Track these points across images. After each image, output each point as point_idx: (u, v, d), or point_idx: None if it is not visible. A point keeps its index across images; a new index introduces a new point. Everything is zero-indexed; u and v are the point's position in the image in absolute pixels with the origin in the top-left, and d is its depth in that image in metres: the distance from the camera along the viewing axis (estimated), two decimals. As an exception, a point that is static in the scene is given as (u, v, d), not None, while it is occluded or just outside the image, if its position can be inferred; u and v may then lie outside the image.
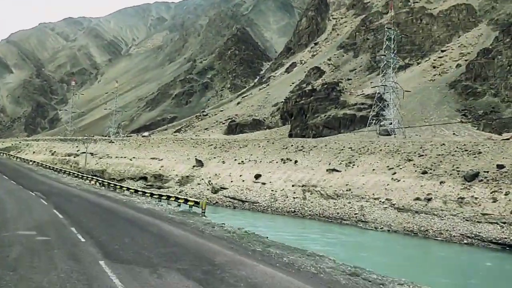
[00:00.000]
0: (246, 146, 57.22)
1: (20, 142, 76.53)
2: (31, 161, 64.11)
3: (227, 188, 50.00)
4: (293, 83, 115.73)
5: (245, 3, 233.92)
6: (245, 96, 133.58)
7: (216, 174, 53.42)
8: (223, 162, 55.72)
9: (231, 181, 51.09)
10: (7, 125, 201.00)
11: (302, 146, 51.98)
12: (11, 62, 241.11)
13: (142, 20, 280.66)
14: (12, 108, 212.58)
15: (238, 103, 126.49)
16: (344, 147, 48.89)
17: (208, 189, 51.28)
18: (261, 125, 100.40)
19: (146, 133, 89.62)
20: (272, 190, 46.45)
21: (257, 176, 49.69)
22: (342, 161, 46.55)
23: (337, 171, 45.18)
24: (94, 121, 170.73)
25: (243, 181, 50.26)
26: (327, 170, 45.93)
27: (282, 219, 39.96)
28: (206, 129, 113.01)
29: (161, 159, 59.42)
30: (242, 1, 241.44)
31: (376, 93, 73.82)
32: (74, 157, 60.60)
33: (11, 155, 68.70)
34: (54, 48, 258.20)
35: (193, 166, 57.30)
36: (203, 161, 57.16)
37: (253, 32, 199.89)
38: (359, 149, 47.63)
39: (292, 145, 53.33)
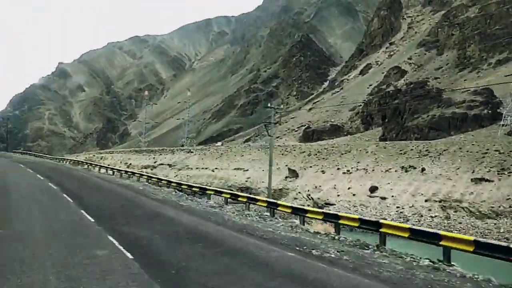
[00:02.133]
0: (349, 152, 46.08)
1: (94, 155, 69.52)
2: (126, 171, 41.15)
3: (334, 204, 39.04)
4: (370, 85, 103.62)
5: (306, 11, 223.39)
6: (316, 101, 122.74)
7: (316, 187, 42.65)
8: (323, 171, 44.86)
9: (338, 195, 40.13)
10: (80, 141, 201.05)
11: (426, 150, 40.19)
12: (82, 81, 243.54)
13: (204, 35, 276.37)
14: (85, 124, 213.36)
15: (310, 109, 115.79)
16: (487, 150, 36.70)
17: (308, 205, 40.54)
18: (340, 131, 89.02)
19: (218, 143, 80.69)
20: (397, 207, 35.04)
21: (373, 189, 38.44)
22: (490, 167, 34.43)
23: (488, 180, 33.15)
24: (163, 134, 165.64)
25: (353, 195, 39.17)
26: (472, 180, 33.97)
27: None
28: (278, 137, 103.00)
29: (247, 170, 49.49)
30: (303, 9, 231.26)
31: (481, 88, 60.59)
32: (152, 169, 52.04)
33: (89, 163, 51.11)
34: (122, 66, 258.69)
35: (286, 177, 46.90)
36: (297, 171, 46.65)
37: (317, 39, 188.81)
38: (511, 151, 35.33)
39: (412, 149, 41.64)
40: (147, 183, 34.40)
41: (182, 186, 31.16)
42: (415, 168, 38.14)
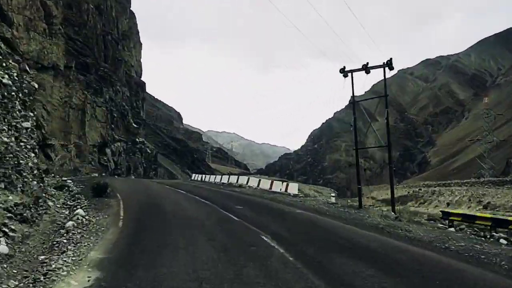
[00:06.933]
0: None
1: (420, 190, 54.67)
2: None
3: None
4: None
5: None
6: None
7: None
8: None
9: None
10: (376, 171, 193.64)
11: None
12: (375, 111, 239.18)
13: (506, 47, 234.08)
14: (381, 154, 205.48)
15: None
16: None
17: None
18: None
19: None
20: None
21: None
22: None
23: None
24: (467, 162, 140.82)
25: None
26: None
27: None
28: None
29: None
30: None
31: None
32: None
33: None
34: (414, 91, 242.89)
35: None
36: None
37: None
38: None
39: None
40: None
41: None
42: None
